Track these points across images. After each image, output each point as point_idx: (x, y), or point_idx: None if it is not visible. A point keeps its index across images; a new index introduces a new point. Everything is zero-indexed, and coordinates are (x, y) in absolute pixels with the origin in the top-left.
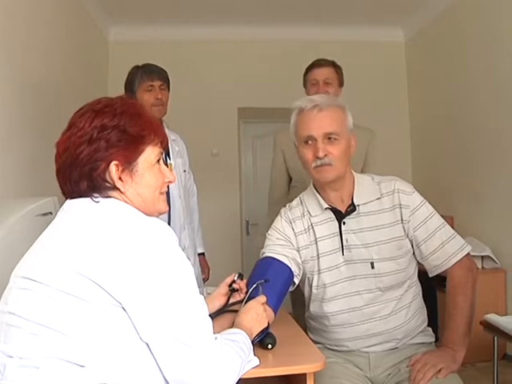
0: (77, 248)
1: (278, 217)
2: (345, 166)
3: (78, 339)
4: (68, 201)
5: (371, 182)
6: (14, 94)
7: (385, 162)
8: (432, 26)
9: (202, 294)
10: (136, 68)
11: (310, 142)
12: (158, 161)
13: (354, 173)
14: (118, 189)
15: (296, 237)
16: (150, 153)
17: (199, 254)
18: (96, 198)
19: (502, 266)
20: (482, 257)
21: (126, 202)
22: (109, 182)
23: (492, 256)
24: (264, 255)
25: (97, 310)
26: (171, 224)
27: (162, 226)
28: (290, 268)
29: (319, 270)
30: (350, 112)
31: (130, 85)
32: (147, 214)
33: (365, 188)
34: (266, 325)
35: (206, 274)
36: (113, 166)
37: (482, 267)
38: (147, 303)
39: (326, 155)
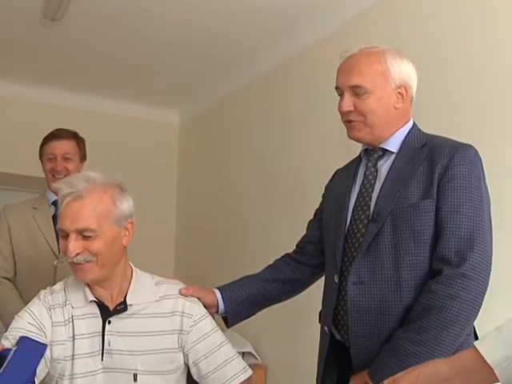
0: None
1: (36, 299)
2: (105, 267)
3: None
4: None
5: (150, 281)
6: None
7: (147, 244)
8: (208, 114)
9: None
10: None
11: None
12: None
13: (134, 268)
14: None
15: (52, 327)
16: None
17: None
18: None
19: (263, 362)
20: (243, 353)
21: None
22: None
23: (253, 352)
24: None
25: None
26: None
27: None
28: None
29: (72, 375)
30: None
31: None
32: None
33: (143, 286)
34: None
35: None
36: None
37: None
38: None
39: (77, 254)
